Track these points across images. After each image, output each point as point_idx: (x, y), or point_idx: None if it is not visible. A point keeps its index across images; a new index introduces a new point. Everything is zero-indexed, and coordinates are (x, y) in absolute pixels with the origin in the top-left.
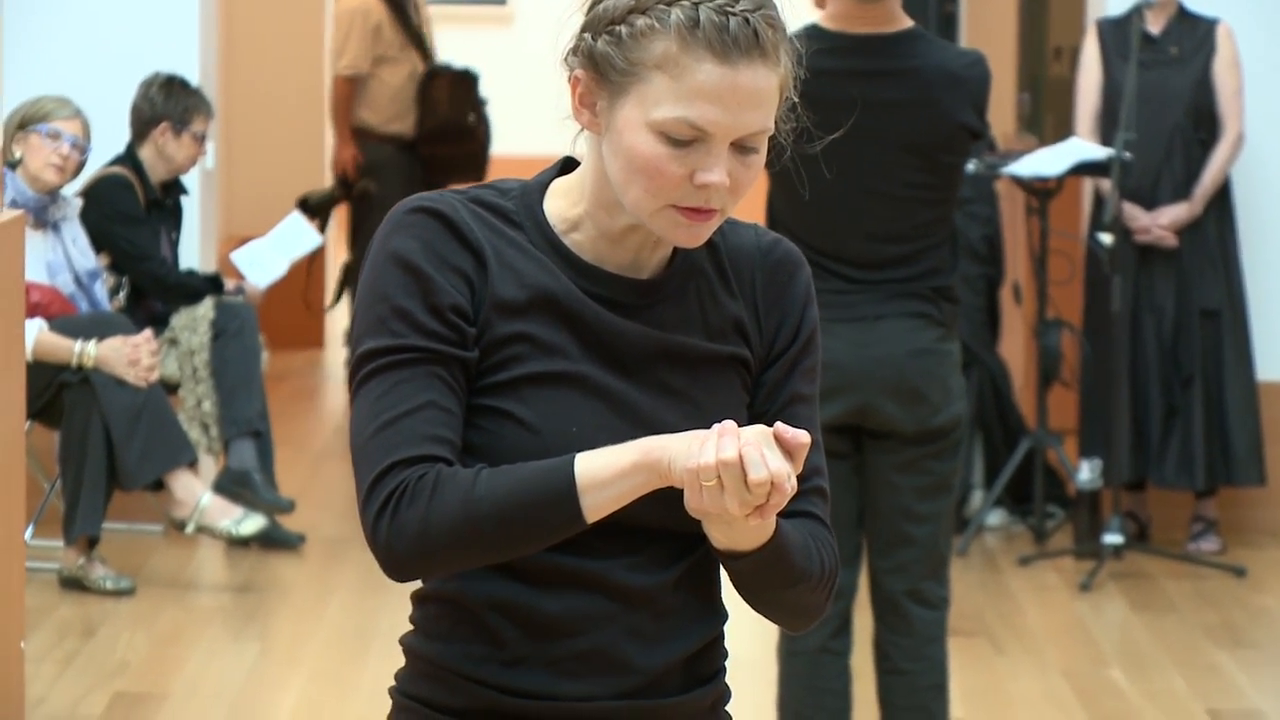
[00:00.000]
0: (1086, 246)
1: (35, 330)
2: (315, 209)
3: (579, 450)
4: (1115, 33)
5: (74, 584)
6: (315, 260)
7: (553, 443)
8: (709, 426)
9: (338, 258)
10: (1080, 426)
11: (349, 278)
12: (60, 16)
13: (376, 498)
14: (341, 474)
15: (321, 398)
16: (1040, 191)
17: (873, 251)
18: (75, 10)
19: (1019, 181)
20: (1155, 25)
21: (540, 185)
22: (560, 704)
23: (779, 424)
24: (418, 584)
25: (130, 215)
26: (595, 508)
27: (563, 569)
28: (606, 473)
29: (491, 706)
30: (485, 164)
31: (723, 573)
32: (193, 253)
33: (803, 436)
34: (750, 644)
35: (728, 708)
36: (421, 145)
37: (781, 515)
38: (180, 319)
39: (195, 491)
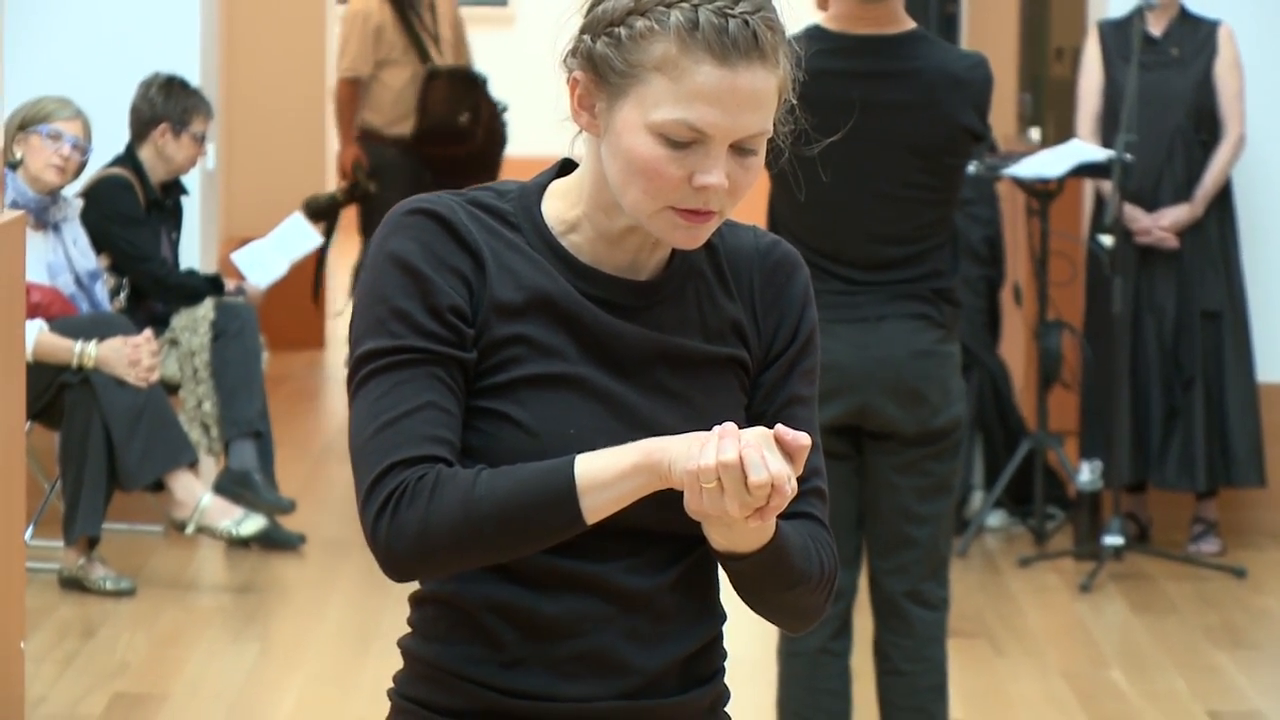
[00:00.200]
0: (1087, 248)
1: (36, 331)
2: (319, 212)
3: (577, 452)
4: (1116, 34)
5: (74, 584)
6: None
7: (550, 445)
8: (707, 428)
9: (339, 259)
10: (1081, 428)
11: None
12: (61, 17)
13: (376, 498)
14: (342, 475)
15: (322, 398)
16: (1041, 193)
17: (873, 253)
18: (76, 11)
19: (1020, 183)
20: (1156, 27)
21: (538, 187)
22: (559, 705)
23: (779, 426)
24: (416, 585)
25: (130, 216)
26: (595, 509)
27: (561, 571)
28: (606, 474)
29: (490, 708)
30: (492, 165)
31: (721, 574)
32: (193, 253)
33: (803, 438)
34: (750, 645)
35: (727, 708)
36: (419, 146)
37: (781, 517)
38: (180, 320)
39: (195, 492)
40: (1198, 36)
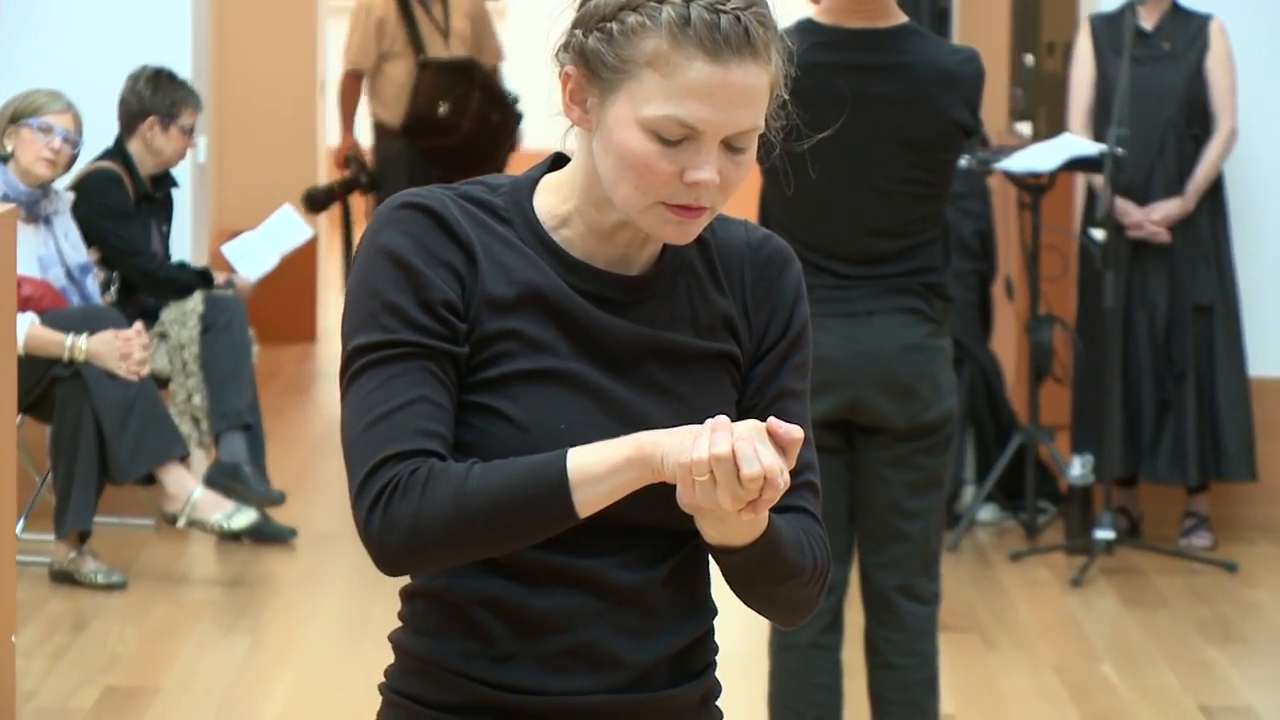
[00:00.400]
0: (1079, 242)
1: (26, 324)
2: (318, 203)
3: (568, 447)
4: (1108, 28)
5: (65, 578)
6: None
7: (541, 440)
8: (699, 423)
9: (331, 252)
10: (1072, 422)
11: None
12: (53, 9)
13: (368, 492)
14: (333, 468)
15: (314, 392)
16: (1033, 187)
17: (864, 247)
18: (68, 4)
19: (1011, 177)
20: (1148, 20)
21: (530, 181)
22: (549, 699)
23: (772, 419)
24: (407, 580)
25: (119, 210)
26: (587, 502)
27: (551, 566)
28: (599, 467)
29: (481, 702)
30: (485, 157)
31: (712, 569)
32: (185, 247)
33: (795, 431)
34: (741, 639)
35: (718, 702)
36: (410, 138)
37: (773, 510)
38: (169, 313)
39: (187, 486)
40: (1189, 30)
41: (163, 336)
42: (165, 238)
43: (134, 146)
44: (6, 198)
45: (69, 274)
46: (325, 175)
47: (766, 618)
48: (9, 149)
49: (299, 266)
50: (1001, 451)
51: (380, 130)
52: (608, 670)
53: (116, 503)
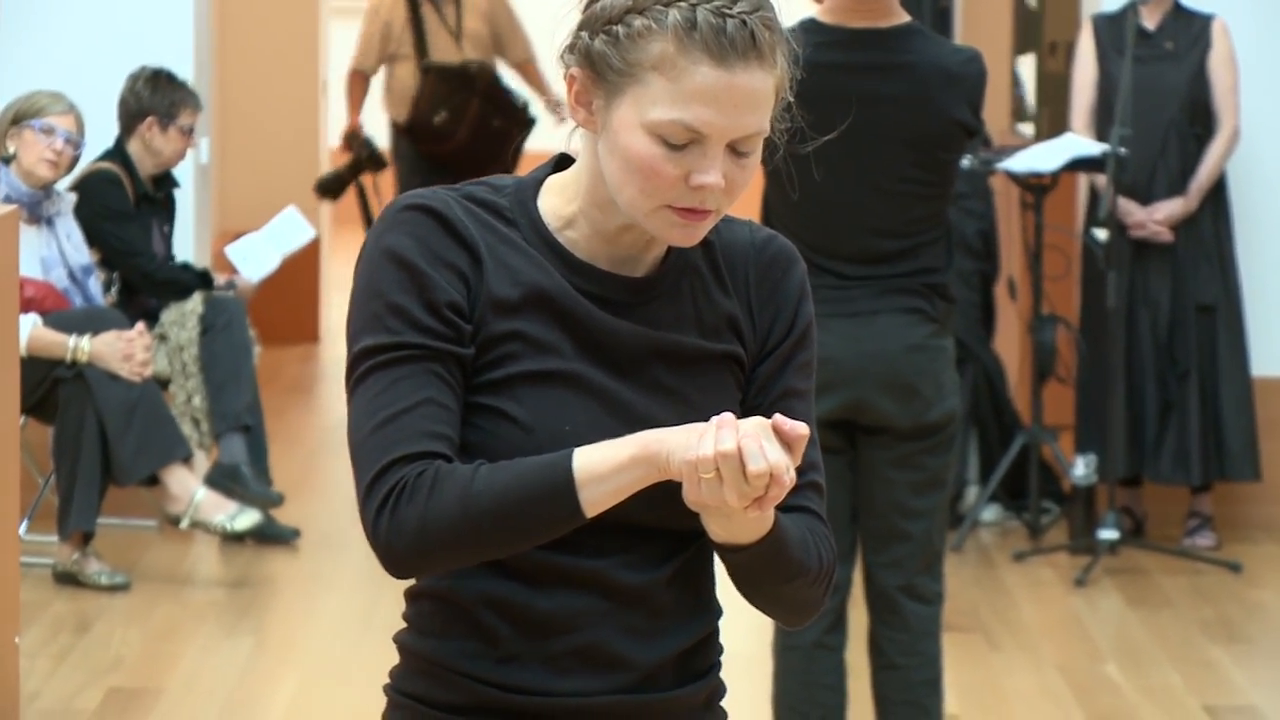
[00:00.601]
0: (1082, 242)
1: (29, 325)
2: (329, 190)
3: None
4: (1110, 28)
5: (68, 579)
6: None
7: (546, 441)
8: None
9: (343, 251)
10: (1075, 422)
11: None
12: (55, 11)
13: (375, 495)
14: (336, 469)
15: (316, 393)
16: (1035, 187)
17: (867, 247)
18: (70, 5)
19: (1014, 177)
20: (1150, 20)
21: (535, 182)
22: (555, 700)
23: (777, 416)
24: (412, 581)
25: (118, 211)
26: (594, 502)
27: (556, 567)
28: (604, 466)
29: (486, 703)
30: (483, 165)
31: (717, 569)
32: (187, 248)
33: (801, 428)
34: (745, 639)
35: (723, 703)
36: (412, 143)
37: (778, 509)
38: (169, 315)
39: (190, 487)
40: (1191, 30)
41: (162, 338)
42: (167, 238)
43: (133, 147)
44: (9, 199)
45: (71, 275)
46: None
47: (772, 618)
48: (11, 150)
49: (302, 267)
50: (1005, 452)
51: (393, 128)
52: (613, 671)
53: (120, 504)
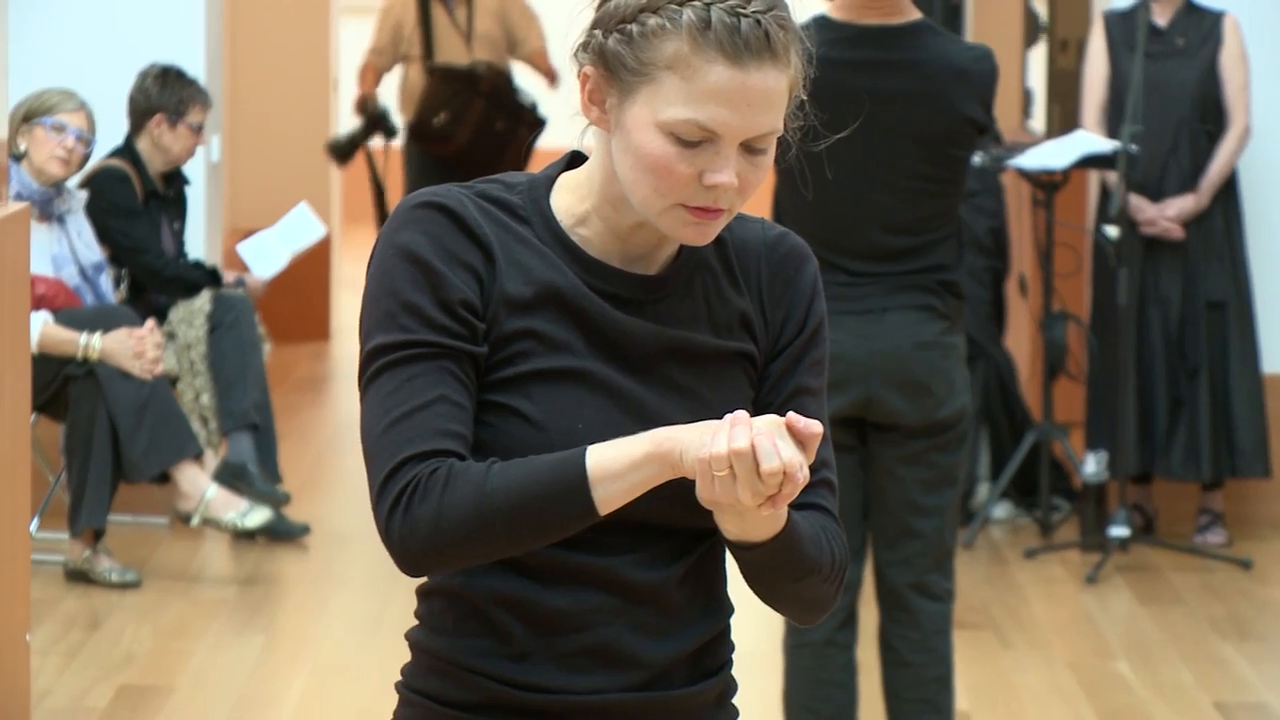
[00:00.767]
0: (1092, 239)
1: (40, 323)
2: (342, 153)
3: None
4: (1122, 24)
5: (79, 576)
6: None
7: (558, 439)
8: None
9: (350, 248)
10: (1086, 419)
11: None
12: (66, 8)
13: (389, 494)
14: (347, 466)
15: (327, 390)
16: (1046, 184)
17: (878, 244)
18: (81, 3)
19: (1025, 174)
20: (1162, 17)
21: (547, 180)
22: (567, 697)
23: (791, 413)
24: (423, 578)
25: (126, 208)
26: (607, 500)
27: (568, 565)
28: (618, 464)
29: (499, 700)
30: (485, 167)
31: (729, 567)
32: (198, 245)
33: (815, 426)
34: (756, 636)
35: (734, 700)
36: (416, 143)
37: (790, 507)
38: (177, 313)
39: (200, 484)
40: (1203, 27)
41: (170, 336)
42: (177, 236)
43: (143, 145)
44: (20, 196)
45: (82, 273)
46: (338, 174)
47: (784, 615)
48: (22, 148)
49: (313, 265)
50: (1016, 449)
51: (406, 129)
52: (625, 669)
53: (131, 501)
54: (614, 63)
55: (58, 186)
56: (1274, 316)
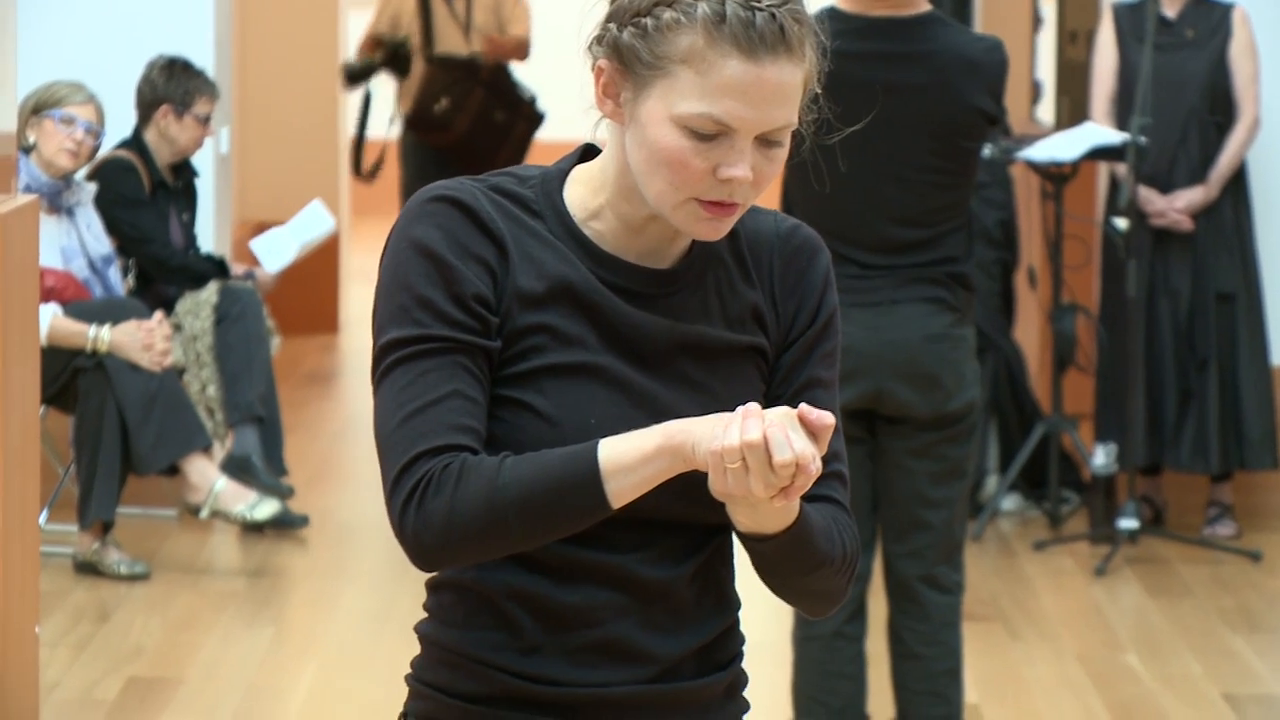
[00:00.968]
0: (1102, 231)
1: (49, 315)
2: (357, 76)
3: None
4: (1131, 16)
5: (88, 569)
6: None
7: (570, 434)
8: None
9: (357, 242)
10: (1095, 411)
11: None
12: (75, 1)
13: (403, 489)
14: (356, 459)
15: (336, 383)
16: (1055, 176)
17: (888, 236)
18: None
19: (1034, 166)
20: (1171, 9)
21: (560, 173)
22: (577, 690)
23: (803, 405)
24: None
25: (132, 198)
26: (620, 493)
27: (579, 561)
28: (630, 457)
29: (509, 693)
30: (482, 157)
31: (737, 561)
32: (207, 237)
33: (827, 418)
34: (765, 629)
35: (745, 693)
36: (414, 132)
37: (802, 499)
38: (184, 304)
39: (210, 476)
40: (1212, 18)
41: (176, 327)
42: (186, 227)
43: (150, 136)
44: (29, 189)
45: (91, 265)
46: (345, 165)
47: (796, 607)
48: (31, 140)
49: (322, 258)
50: (1025, 441)
51: (404, 119)
52: (634, 664)
53: (139, 493)
54: (629, 56)
55: (67, 179)
56: None
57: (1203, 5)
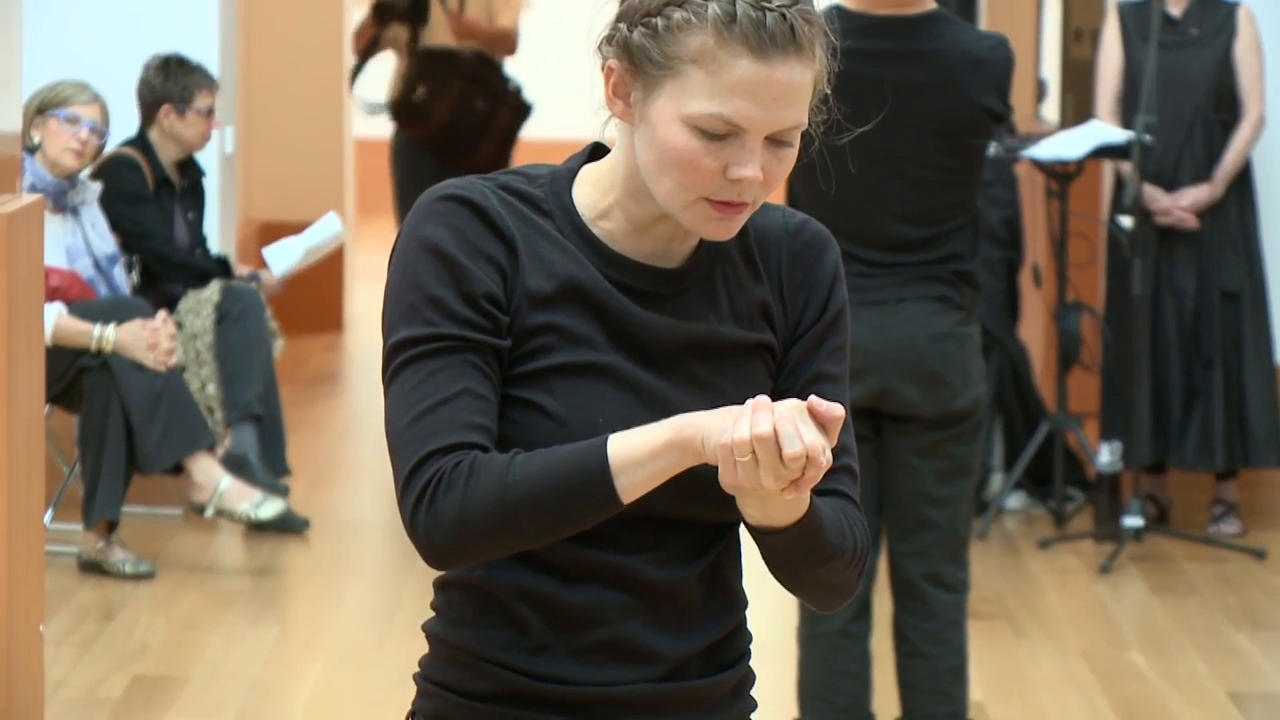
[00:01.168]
0: (1107, 229)
1: (54, 314)
2: (386, 9)
3: None
4: (1136, 15)
5: (93, 568)
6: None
7: (579, 434)
8: None
9: (362, 240)
10: (1100, 409)
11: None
12: (79, 0)
13: (414, 488)
14: (360, 458)
15: (340, 382)
16: (1060, 174)
17: (894, 234)
18: None
19: (1039, 165)
20: (1176, 7)
21: (569, 172)
22: (586, 689)
23: (813, 397)
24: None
25: (134, 194)
26: (630, 488)
27: (587, 561)
28: (639, 452)
29: (517, 691)
30: (466, 147)
31: (745, 559)
32: (212, 236)
33: (837, 410)
34: (770, 627)
35: (752, 691)
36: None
37: (812, 493)
38: (186, 302)
39: (214, 475)
40: (1217, 17)
41: (178, 325)
42: (193, 226)
43: (155, 135)
44: (34, 188)
45: (96, 264)
46: (351, 166)
47: (806, 601)
48: (36, 140)
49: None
50: (1030, 439)
51: (389, 111)
52: (642, 663)
53: (144, 492)
54: (639, 56)
55: (71, 178)
56: None
57: (1208, 3)
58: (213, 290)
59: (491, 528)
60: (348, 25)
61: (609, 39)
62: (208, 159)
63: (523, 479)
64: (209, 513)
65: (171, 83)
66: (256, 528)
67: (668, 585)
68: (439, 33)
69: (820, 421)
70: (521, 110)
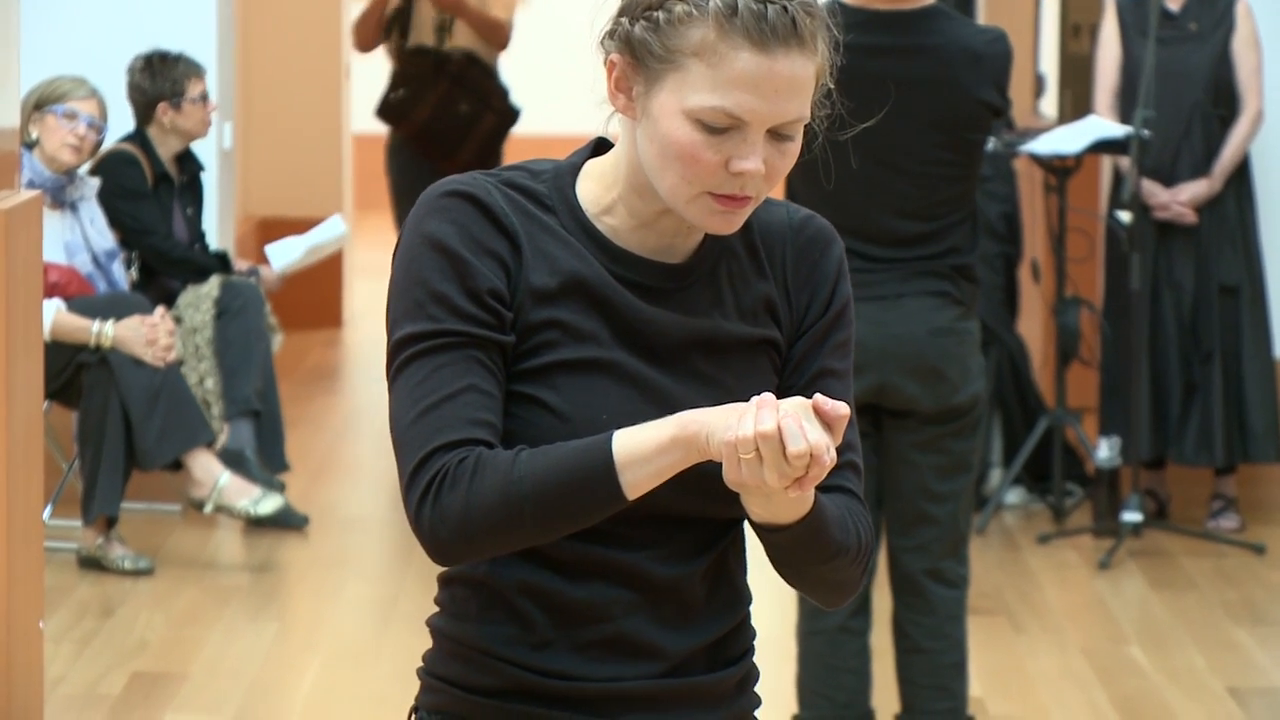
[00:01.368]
0: (1105, 224)
1: (53, 310)
2: None
3: None
4: (1134, 9)
5: (92, 564)
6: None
7: (583, 430)
8: None
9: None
10: (1099, 404)
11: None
12: None
13: (419, 484)
14: (360, 454)
15: (340, 377)
16: (1059, 169)
17: (893, 229)
18: None
19: (1038, 160)
20: (1174, 2)
21: (573, 167)
22: (589, 684)
23: (818, 395)
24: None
25: (132, 190)
26: (635, 484)
27: (591, 558)
28: (644, 448)
29: (520, 686)
30: (449, 148)
31: (748, 556)
32: (211, 232)
33: (842, 408)
34: (770, 623)
35: (756, 687)
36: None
37: (816, 490)
38: (185, 297)
39: (213, 471)
40: (1215, 11)
41: (177, 320)
42: (191, 221)
43: (153, 132)
44: (32, 184)
45: (95, 260)
46: (350, 161)
47: (810, 598)
48: (34, 136)
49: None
50: (1028, 434)
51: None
52: (645, 659)
53: (143, 488)
54: (640, 50)
55: (70, 174)
56: None
57: None
58: (212, 285)
59: (496, 524)
60: (346, 20)
61: (611, 34)
62: (206, 154)
63: (528, 475)
64: (208, 509)
65: (160, 80)
66: (255, 524)
67: (671, 582)
68: (424, 36)
69: (825, 420)
70: (508, 115)
